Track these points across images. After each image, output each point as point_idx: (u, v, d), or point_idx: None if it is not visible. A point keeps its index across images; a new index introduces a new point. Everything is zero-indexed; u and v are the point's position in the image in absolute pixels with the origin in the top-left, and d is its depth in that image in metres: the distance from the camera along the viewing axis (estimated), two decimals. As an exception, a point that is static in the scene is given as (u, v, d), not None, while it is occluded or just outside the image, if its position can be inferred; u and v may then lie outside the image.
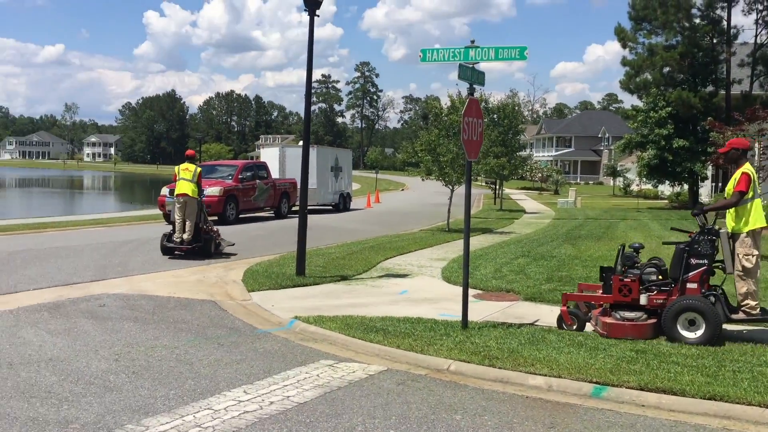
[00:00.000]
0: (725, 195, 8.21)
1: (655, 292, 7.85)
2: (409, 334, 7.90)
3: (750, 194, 7.77)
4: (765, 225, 7.80)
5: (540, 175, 66.09)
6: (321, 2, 11.79)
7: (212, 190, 22.55)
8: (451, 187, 22.49)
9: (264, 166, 26.87)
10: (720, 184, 38.94)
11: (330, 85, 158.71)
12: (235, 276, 12.28)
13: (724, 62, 37.02)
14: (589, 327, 8.23)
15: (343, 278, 12.19)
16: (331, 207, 31.69)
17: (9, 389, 6.02)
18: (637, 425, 5.51)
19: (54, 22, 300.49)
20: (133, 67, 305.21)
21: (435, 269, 13.50)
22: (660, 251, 16.65)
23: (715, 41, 37.86)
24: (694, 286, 7.68)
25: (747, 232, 7.73)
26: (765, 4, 37.46)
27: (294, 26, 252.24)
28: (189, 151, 16.25)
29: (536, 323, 8.72)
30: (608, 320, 7.84)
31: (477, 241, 18.37)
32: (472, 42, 8.53)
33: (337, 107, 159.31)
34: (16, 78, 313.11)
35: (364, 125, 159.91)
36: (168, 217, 22.79)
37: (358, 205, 35.76)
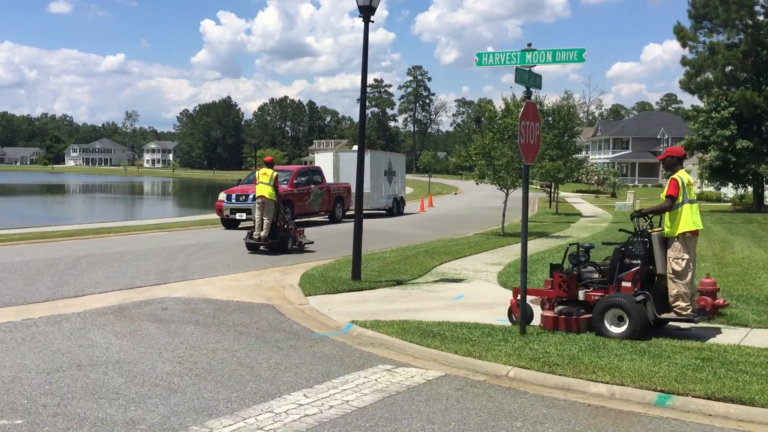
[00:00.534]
0: (662, 200, 8.50)
1: (591, 289, 8.35)
2: (466, 339, 7.86)
3: (680, 199, 8.14)
4: (693, 230, 8.13)
5: (596, 177, 64.97)
6: (375, 8, 11.81)
7: (268, 195, 22.86)
8: (505, 191, 22.29)
9: (318, 171, 27.11)
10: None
11: (383, 90, 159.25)
12: (292, 280, 12.42)
13: (790, 60, 35.79)
14: (537, 321, 8.62)
15: (399, 283, 12.20)
16: (384, 211, 31.77)
17: (78, 390, 6.22)
18: (704, 435, 5.36)
19: (115, 32, 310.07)
20: (190, 75, 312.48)
21: (491, 274, 13.40)
22: (725, 256, 16.16)
23: (779, 38, 36.60)
24: (628, 284, 8.08)
25: (677, 236, 8.10)
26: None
27: (346, 31, 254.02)
28: (267, 158, 18.33)
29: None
30: (546, 313, 8.46)
31: (533, 246, 18.14)
32: (529, 45, 8.45)
33: (389, 111, 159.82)
34: (80, 87, 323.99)
35: (416, 129, 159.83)
36: (225, 222, 23.39)
37: (411, 209, 35.75)
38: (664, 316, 8.13)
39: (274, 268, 14.18)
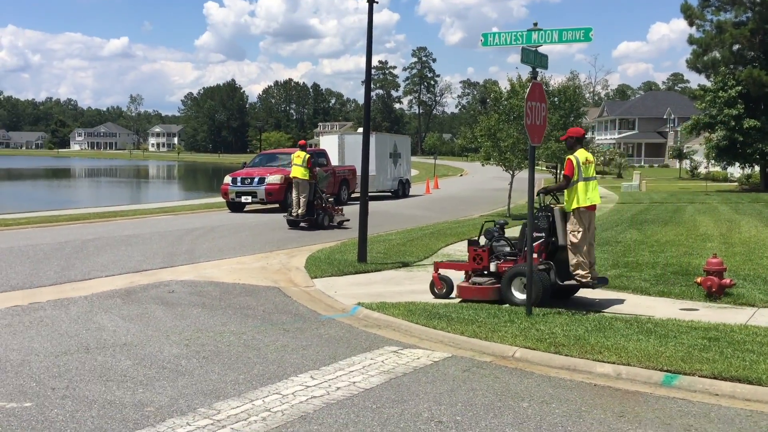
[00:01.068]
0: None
1: (502, 260, 9.00)
2: (472, 320, 7.87)
3: (575, 178, 8.61)
4: (587, 205, 8.62)
5: (602, 158, 64.66)
6: (380, -12, 11.74)
7: (273, 178, 22.90)
8: (511, 172, 22.23)
9: (323, 154, 27.05)
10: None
11: (387, 71, 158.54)
12: (298, 263, 12.44)
13: (799, 38, 35.45)
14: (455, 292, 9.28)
15: (404, 264, 12.21)
16: (390, 193, 31.74)
17: (87, 373, 6.26)
18: (710, 415, 5.36)
19: (118, 15, 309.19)
20: (194, 58, 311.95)
21: (497, 255, 13.37)
22: (732, 236, 16.12)
23: (788, 16, 36.21)
24: (534, 255, 8.50)
25: (573, 211, 8.63)
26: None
27: (350, 13, 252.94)
28: (301, 141, 20.47)
29: (603, 310, 8.58)
30: (461, 284, 9.14)
31: (539, 227, 18.10)
32: (535, 24, 8.37)
33: (394, 93, 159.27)
34: (84, 71, 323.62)
35: (421, 111, 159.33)
36: (231, 205, 23.43)
37: (417, 191, 35.72)
38: (567, 283, 8.75)
39: (279, 250, 14.20)
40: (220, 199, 25.21)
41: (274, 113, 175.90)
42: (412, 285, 10.45)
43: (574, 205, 8.61)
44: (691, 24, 37.70)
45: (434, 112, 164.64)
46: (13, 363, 6.53)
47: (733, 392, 5.75)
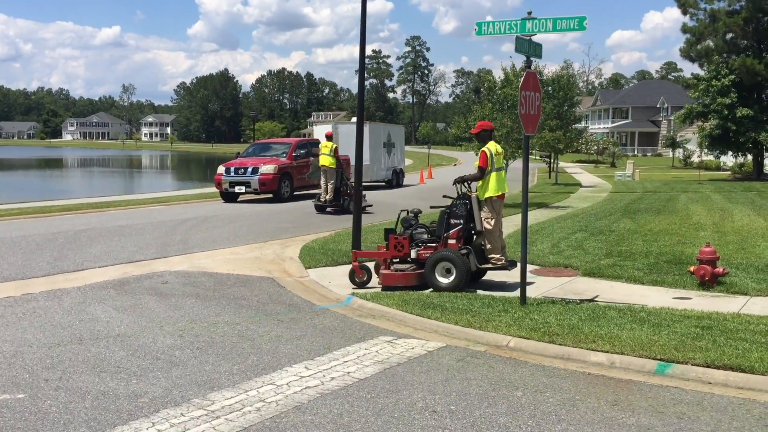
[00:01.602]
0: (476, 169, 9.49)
1: (422, 247, 9.31)
2: (466, 310, 7.88)
3: (489, 168, 9.13)
4: (497, 194, 9.17)
5: (596, 147, 64.70)
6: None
7: (267, 168, 22.85)
8: (505, 162, 22.20)
9: (317, 144, 26.96)
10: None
11: (381, 61, 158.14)
12: (292, 253, 12.42)
13: (792, 26, 35.46)
14: (375, 280, 9.57)
15: (399, 254, 12.18)
16: (384, 183, 31.70)
17: (80, 364, 6.24)
18: (704, 403, 5.39)
19: (110, 4, 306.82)
20: (186, 47, 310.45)
21: (491, 245, 13.37)
22: (724, 225, 16.17)
23: (781, 4, 36.22)
24: (453, 242, 9.15)
25: (485, 200, 9.18)
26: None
27: (344, 2, 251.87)
28: (328, 132, 21.79)
29: (596, 299, 8.60)
30: (384, 271, 9.36)
31: (533, 216, 18.11)
32: (529, 13, 8.33)
33: (388, 82, 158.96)
34: (75, 60, 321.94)
35: (415, 100, 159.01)
36: (224, 195, 23.37)
37: (411, 180, 35.69)
38: (484, 266, 9.29)
39: (273, 241, 14.17)
40: (214, 190, 25.13)
41: (267, 103, 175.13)
42: (406, 275, 10.42)
43: (487, 195, 9.15)
44: (684, 13, 37.69)
45: (428, 101, 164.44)
46: (5, 354, 6.51)
47: (726, 380, 5.77)
